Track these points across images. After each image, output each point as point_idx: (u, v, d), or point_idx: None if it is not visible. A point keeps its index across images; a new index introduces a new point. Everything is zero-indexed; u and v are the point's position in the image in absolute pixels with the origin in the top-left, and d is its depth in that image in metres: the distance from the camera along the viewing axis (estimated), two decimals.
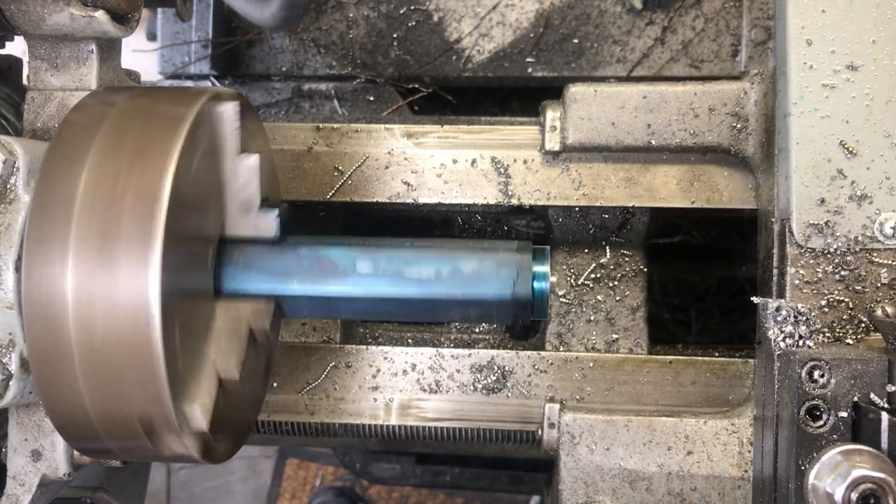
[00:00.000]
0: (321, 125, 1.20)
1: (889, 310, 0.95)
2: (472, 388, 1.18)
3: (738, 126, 1.10)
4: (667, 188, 1.14)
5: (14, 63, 0.97)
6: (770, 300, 0.98)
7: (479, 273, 0.88)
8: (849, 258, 0.97)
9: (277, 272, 0.89)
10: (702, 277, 1.74)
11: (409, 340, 1.27)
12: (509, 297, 0.90)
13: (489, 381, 1.18)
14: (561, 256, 1.21)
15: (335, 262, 0.89)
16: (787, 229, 0.99)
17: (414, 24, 1.54)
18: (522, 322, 1.33)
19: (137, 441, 0.81)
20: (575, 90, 1.13)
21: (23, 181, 0.80)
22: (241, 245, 0.90)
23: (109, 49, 0.93)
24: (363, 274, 0.88)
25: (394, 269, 0.89)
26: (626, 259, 1.21)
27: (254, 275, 0.88)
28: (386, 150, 1.19)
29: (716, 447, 1.09)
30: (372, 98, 1.57)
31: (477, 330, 1.30)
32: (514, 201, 1.17)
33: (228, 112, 0.90)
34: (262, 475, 3.29)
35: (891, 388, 0.90)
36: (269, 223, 0.91)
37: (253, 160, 0.91)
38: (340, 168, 1.19)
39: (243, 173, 0.91)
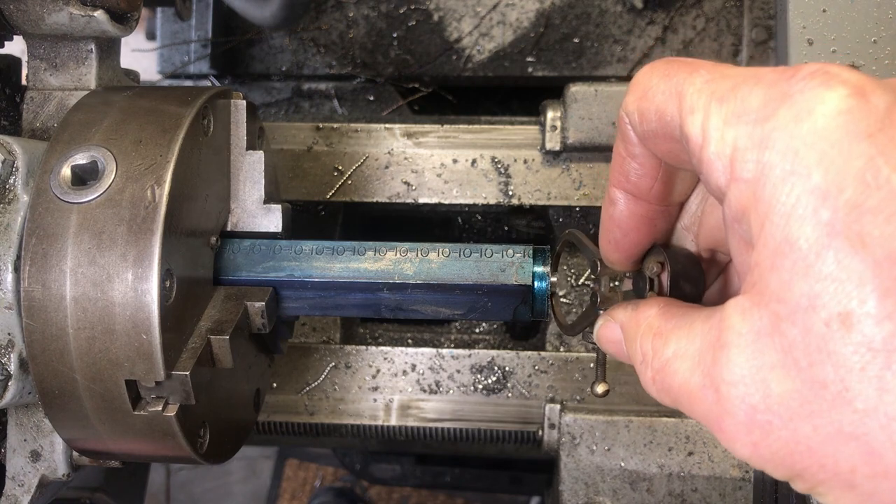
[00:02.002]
0: (321, 125, 1.20)
1: None
2: (472, 388, 1.18)
3: None
4: None
5: (13, 63, 0.97)
6: None
7: (479, 272, 0.88)
8: None
9: (277, 260, 0.89)
10: None
11: (409, 341, 1.27)
12: (510, 297, 0.90)
13: (489, 381, 1.18)
14: (561, 256, 1.21)
15: (334, 252, 0.89)
16: None
17: (414, 23, 1.54)
18: (522, 322, 1.33)
19: (137, 441, 0.81)
20: (575, 90, 1.13)
21: (22, 181, 0.80)
22: (243, 238, 0.91)
23: (109, 48, 0.93)
24: (362, 264, 0.89)
25: (396, 260, 0.89)
26: None
27: (254, 264, 0.89)
28: (386, 149, 1.18)
29: (717, 448, 1.09)
30: (372, 98, 1.57)
31: (477, 330, 1.29)
32: (515, 201, 1.17)
33: (238, 107, 0.91)
34: (262, 476, 3.28)
35: None
36: (273, 218, 0.92)
37: (258, 156, 0.92)
38: (340, 168, 1.19)
39: (249, 169, 0.92)
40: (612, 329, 0.67)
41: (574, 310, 1.20)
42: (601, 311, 0.72)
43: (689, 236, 0.71)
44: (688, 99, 0.53)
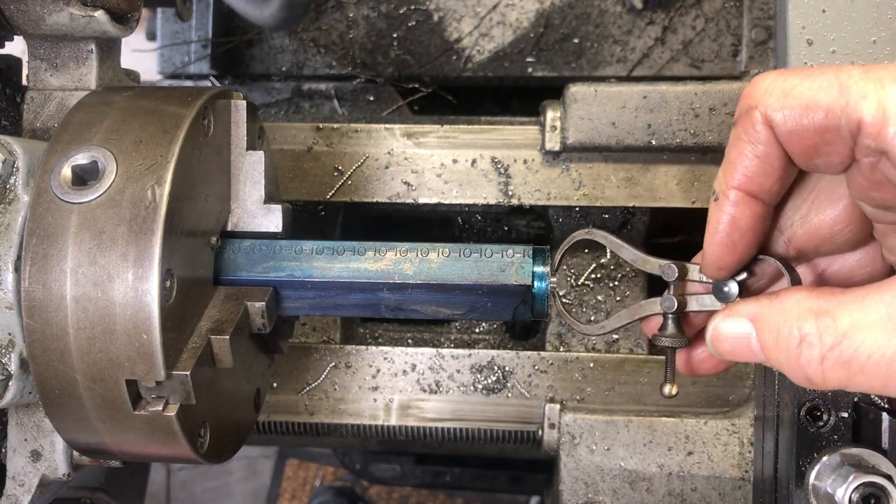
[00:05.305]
0: (321, 125, 1.20)
1: None
2: (472, 388, 1.18)
3: None
4: (667, 188, 1.14)
5: (13, 63, 0.97)
6: None
7: (479, 272, 0.88)
8: None
9: (277, 260, 0.89)
10: None
11: (409, 341, 1.27)
12: (509, 298, 0.90)
13: (489, 381, 1.18)
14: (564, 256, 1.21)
15: (335, 252, 0.90)
16: None
17: (414, 23, 1.54)
18: (522, 322, 1.34)
19: (138, 441, 0.82)
20: (575, 90, 1.13)
21: (22, 181, 0.80)
22: (243, 238, 0.91)
23: (109, 49, 0.93)
24: (362, 265, 0.89)
25: (396, 260, 0.89)
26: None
27: (254, 264, 0.89)
28: (386, 150, 1.19)
29: (716, 447, 1.09)
30: (372, 98, 1.57)
31: (477, 330, 1.30)
32: (515, 201, 1.17)
33: (238, 108, 0.91)
34: (262, 475, 3.29)
35: None
36: (273, 218, 0.92)
37: (259, 156, 0.92)
38: (340, 168, 1.19)
39: (249, 169, 0.92)
40: (739, 324, 0.65)
41: (573, 309, 1.20)
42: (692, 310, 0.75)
43: (781, 237, 0.72)
44: (854, 88, 0.56)
